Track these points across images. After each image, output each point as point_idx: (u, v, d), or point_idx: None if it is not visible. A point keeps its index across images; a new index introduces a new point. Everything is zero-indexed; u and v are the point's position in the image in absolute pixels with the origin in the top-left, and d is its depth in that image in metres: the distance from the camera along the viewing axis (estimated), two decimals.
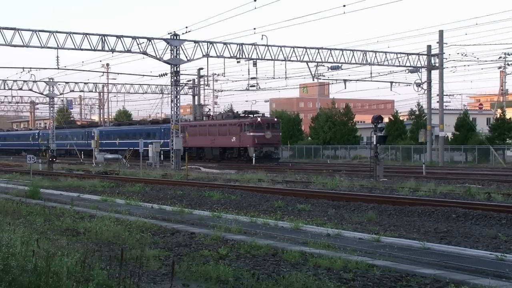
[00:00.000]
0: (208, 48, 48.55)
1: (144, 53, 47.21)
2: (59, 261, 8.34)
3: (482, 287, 8.58)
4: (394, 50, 54.48)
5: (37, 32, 44.38)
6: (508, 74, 76.45)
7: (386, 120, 63.54)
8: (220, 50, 48.79)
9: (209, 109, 71.19)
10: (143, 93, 76.87)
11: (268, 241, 12.39)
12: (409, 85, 58.39)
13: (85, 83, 74.18)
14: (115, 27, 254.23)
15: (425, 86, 56.94)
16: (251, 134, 56.51)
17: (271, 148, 57.17)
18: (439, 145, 56.55)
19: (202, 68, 74.04)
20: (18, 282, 7.88)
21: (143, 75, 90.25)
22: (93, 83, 77.43)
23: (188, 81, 76.49)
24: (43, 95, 75.08)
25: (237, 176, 35.75)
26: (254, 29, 55.08)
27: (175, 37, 47.97)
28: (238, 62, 51.58)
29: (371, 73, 56.78)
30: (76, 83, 73.14)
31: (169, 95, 58.07)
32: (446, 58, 56.72)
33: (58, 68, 53.09)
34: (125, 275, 8.18)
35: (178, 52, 48.06)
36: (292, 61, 50.91)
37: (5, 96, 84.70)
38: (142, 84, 76.16)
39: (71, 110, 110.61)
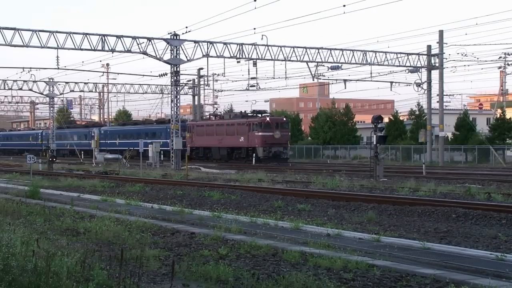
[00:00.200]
0: (208, 48, 48.57)
1: (144, 53, 47.22)
2: (59, 261, 8.34)
3: (482, 287, 8.58)
4: (394, 50, 54.52)
5: (37, 32, 44.40)
6: (508, 74, 76.51)
7: (386, 120, 63.53)
8: (220, 50, 48.83)
9: (216, 108, 69.79)
10: (143, 93, 76.89)
11: (268, 241, 12.39)
12: (409, 85, 58.44)
13: (85, 83, 74.26)
14: (115, 27, 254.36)
15: (425, 86, 56.94)
16: (260, 133, 55.62)
17: (280, 148, 56.21)
18: (439, 145, 56.54)
19: (202, 68, 74.11)
20: (18, 282, 7.88)
21: (143, 75, 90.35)
22: (93, 83, 77.51)
23: (188, 81, 76.51)
24: (43, 95, 75.12)
25: (237, 176, 35.76)
26: (254, 29, 55.01)
27: (175, 37, 47.98)
28: (238, 62, 51.62)
29: (371, 73, 56.83)
30: (76, 83, 73.19)
31: (169, 95, 58.08)
32: (446, 58, 56.75)
33: (58, 68, 53.16)
34: (125, 275, 8.18)
35: (178, 52, 48.08)
36: (292, 61, 50.93)
37: (5, 96, 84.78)
38: (142, 84, 76.27)
39: (71, 110, 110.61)
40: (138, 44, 46.85)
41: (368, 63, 53.13)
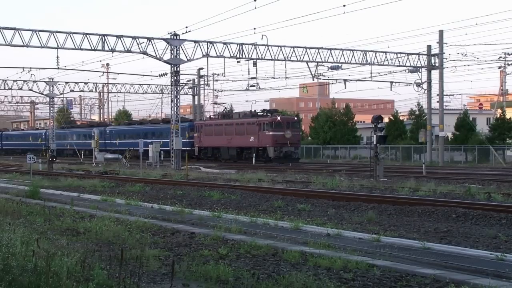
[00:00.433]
0: (208, 48, 48.58)
1: (144, 53, 47.23)
2: (59, 261, 8.34)
3: (482, 287, 8.58)
4: (394, 50, 54.52)
5: (37, 32, 44.41)
6: (508, 74, 76.58)
7: (386, 120, 63.54)
8: (220, 50, 48.84)
9: (225, 108, 69.04)
10: (143, 93, 76.91)
11: (268, 241, 12.39)
12: (409, 85, 58.42)
13: (85, 83, 74.27)
14: (115, 27, 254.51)
15: (425, 86, 56.94)
16: (271, 133, 54.52)
17: (291, 148, 54.98)
18: (439, 145, 56.55)
19: (202, 68, 74.12)
20: (18, 282, 7.88)
21: (143, 75, 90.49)
22: (93, 83, 77.52)
23: (188, 81, 76.53)
24: (43, 95, 75.14)
25: (237, 176, 35.76)
26: (254, 29, 54.92)
27: (175, 37, 47.98)
28: (238, 62, 51.62)
29: (371, 73, 56.82)
30: (76, 83, 73.20)
31: (169, 95, 58.08)
32: (446, 58, 56.76)
33: (58, 68, 53.19)
34: (125, 275, 8.18)
35: (178, 52, 48.08)
36: (292, 61, 50.94)
37: (5, 96, 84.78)
38: (142, 84, 76.29)
39: (71, 110, 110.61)
40: (138, 44, 46.88)
41: (368, 63, 53.14)
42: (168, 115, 74.48)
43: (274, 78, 56.72)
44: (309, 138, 78.96)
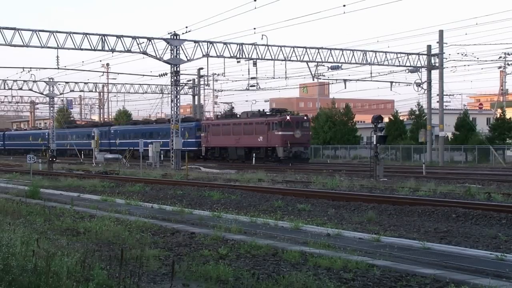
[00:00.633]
0: (208, 48, 48.58)
1: (144, 53, 47.24)
2: (59, 261, 8.34)
3: (482, 287, 8.58)
4: (394, 50, 54.54)
5: (37, 32, 44.42)
6: (508, 74, 76.56)
7: (386, 120, 63.51)
8: (220, 50, 48.84)
9: (232, 107, 67.96)
10: (143, 93, 76.90)
11: (268, 241, 12.39)
12: (409, 85, 58.42)
13: (85, 83, 74.29)
14: (115, 27, 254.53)
15: (425, 86, 56.94)
16: (280, 133, 53.61)
17: (300, 148, 54.22)
18: (439, 145, 56.54)
19: (202, 68, 74.17)
20: (18, 282, 7.88)
21: (143, 75, 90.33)
22: (93, 83, 77.54)
23: (188, 81, 76.54)
24: (43, 95, 75.16)
25: (237, 176, 35.76)
26: (254, 29, 54.87)
27: (175, 37, 47.99)
28: (238, 62, 51.62)
29: (371, 73, 56.83)
30: (76, 83, 73.21)
31: (169, 95, 58.05)
32: (446, 58, 56.76)
33: (58, 68, 53.24)
34: (125, 275, 8.18)
35: (178, 52, 48.09)
36: (292, 61, 50.94)
37: (5, 96, 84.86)
38: (142, 84, 76.31)
39: (71, 110, 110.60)
40: (138, 44, 46.89)
41: (368, 63, 53.15)
42: (168, 115, 74.42)
43: (274, 78, 56.78)
44: None
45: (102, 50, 46.40)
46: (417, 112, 69.16)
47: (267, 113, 58.47)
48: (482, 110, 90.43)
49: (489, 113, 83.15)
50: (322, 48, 51.32)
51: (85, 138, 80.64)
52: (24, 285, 7.85)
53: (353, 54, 52.09)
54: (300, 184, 29.46)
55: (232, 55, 49.24)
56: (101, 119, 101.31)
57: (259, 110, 61.99)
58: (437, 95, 56.51)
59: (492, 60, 79.24)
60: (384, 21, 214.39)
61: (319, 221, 15.90)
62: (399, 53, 53.98)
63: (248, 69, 53.61)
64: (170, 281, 8.41)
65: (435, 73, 56.65)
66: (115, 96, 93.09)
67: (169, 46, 47.92)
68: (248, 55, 49.60)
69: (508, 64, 71.62)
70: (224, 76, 58.08)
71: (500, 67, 71.40)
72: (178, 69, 48.94)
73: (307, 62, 52.05)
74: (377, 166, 32.00)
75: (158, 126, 71.35)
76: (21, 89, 72.01)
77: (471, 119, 67.12)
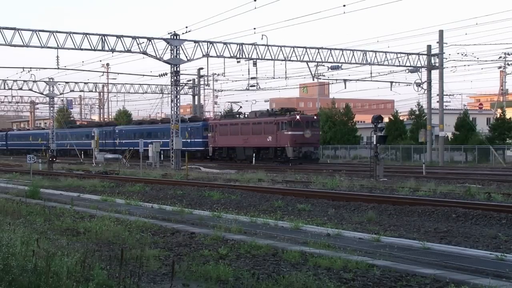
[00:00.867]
0: (208, 48, 48.59)
1: (144, 53, 47.24)
2: (59, 261, 8.34)
3: (482, 287, 8.58)
4: (394, 50, 54.52)
5: (37, 32, 44.42)
6: (508, 74, 76.55)
7: (386, 120, 63.49)
8: (220, 50, 48.84)
9: (240, 106, 66.77)
10: (143, 93, 76.88)
11: (268, 241, 12.39)
12: (409, 85, 58.42)
13: (85, 83, 74.27)
14: (115, 27, 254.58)
15: (425, 86, 56.94)
16: (289, 133, 52.43)
17: (310, 148, 53.25)
18: (439, 145, 56.54)
19: (202, 68, 74.17)
20: (18, 282, 7.88)
21: (143, 75, 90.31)
22: (93, 83, 77.51)
23: (188, 81, 76.53)
24: (43, 95, 75.17)
25: (237, 176, 35.75)
26: (254, 29, 54.80)
27: (175, 37, 48.00)
28: (238, 62, 51.60)
29: (371, 73, 56.83)
30: (76, 83, 73.21)
31: (169, 95, 58.04)
32: (446, 58, 56.75)
33: (58, 68, 53.25)
34: (125, 275, 8.18)
35: (178, 52, 48.09)
36: (292, 61, 50.94)
37: (5, 96, 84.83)
38: (142, 84, 76.27)
39: (71, 110, 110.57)
40: (138, 44, 46.89)
41: (368, 63, 53.15)
42: (168, 114, 74.38)
43: (274, 78, 56.75)
44: None
45: (102, 50, 46.40)
46: (417, 112, 69.15)
47: (275, 112, 57.43)
48: (482, 110, 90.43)
49: (489, 113, 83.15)
50: (322, 48, 51.33)
51: (89, 138, 79.80)
52: (24, 285, 7.85)
53: (353, 54, 52.10)
54: (300, 184, 29.46)
55: (232, 55, 49.24)
56: (101, 119, 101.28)
57: (267, 109, 60.93)
58: (437, 95, 56.52)
59: (492, 60, 79.35)
60: (384, 21, 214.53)
61: (319, 221, 15.90)
62: (399, 53, 53.99)
63: (248, 69, 53.65)
64: (170, 281, 8.41)
65: (435, 73, 56.71)
66: (115, 96, 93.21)
67: (169, 46, 47.93)
68: (248, 55, 49.60)
69: (508, 64, 71.65)
70: (224, 76, 58.08)
71: (500, 67, 71.43)
72: (178, 69, 48.94)
73: (307, 62, 52.06)
74: (377, 166, 32.00)
75: (163, 126, 69.69)
76: (21, 89, 72.04)
77: (471, 119, 67.12)
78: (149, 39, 47.35)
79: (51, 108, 75.37)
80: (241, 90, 71.01)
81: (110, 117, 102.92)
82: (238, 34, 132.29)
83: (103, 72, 79.40)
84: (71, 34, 45.05)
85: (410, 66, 55.40)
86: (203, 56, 48.92)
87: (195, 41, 48.45)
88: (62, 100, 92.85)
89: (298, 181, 31.40)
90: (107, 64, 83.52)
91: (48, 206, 18.78)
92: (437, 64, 55.88)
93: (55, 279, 7.85)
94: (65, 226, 14.62)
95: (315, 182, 29.67)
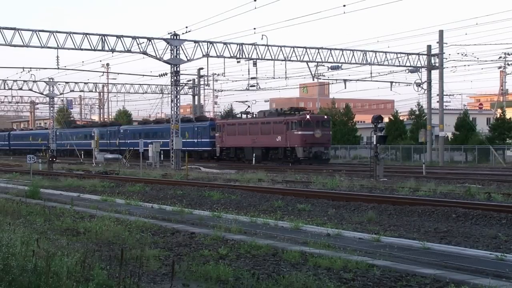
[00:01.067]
0: (208, 48, 48.59)
1: (144, 53, 47.25)
2: (59, 261, 8.34)
3: (482, 287, 8.58)
4: (394, 50, 54.56)
5: (37, 32, 44.42)
6: (508, 74, 76.58)
7: (386, 120, 63.51)
8: (220, 50, 48.85)
9: (249, 106, 65.70)
10: (143, 93, 76.88)
11: (268, 241, 12.39)
12: (409, 85, 58.43)
13: (85, 83, 74.30)
14: (115, 27, 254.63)
15: (425, 86, 56.94)
16: (300, 132, 51.52)
17: (321, 148, 52.14)
18: (439, 145, 56.55)
19: (202, 68, 74.16)
20: (18, 282, 7.88)
21: (143, 75, 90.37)
22: (93, 83, 77.54)
23: (188, 81, 76.53)
24: (43, 95, 75.20)
25: (237, 176, 35.75)
26: (254, 29, 54.74)
27: (175, 37, 48.00)
28: (238, 62, 51.61)
29: (371, 73, 56.83)
30: (76, 83, 73.23)
31: (169, 95, 58.02)
32: (446, 58, 56.76)
33: (58, 68, 53.27)
34: (125, 275, 8.18)
35: (178, 52, 48.10)
36: (292, 61, 50.95)
37: (5, 96, 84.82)
38: (142, 84, 76.28)
39: (71, 110, 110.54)
40: (138, 44, 46.90)
41: (368, 63, 53.15)
42: (168, 114, 74.33)
43: (274, 78, 56.74)
44: None
45: (102, 50, 46.41)
46: (417, 112, 69.18)
47: (285, 112, 56.54)
48: (482, 110, 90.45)
49: (489, 113, 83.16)
50: (322, 48, 51.34)
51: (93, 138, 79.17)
52: (24, 285, 7.85)
53: (353, 54, 52.10)
54: (300, 184, 29.46)
55: (232, 55, 49.25)
56: (101, 119, 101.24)
57: (276, 109, 59.87)
58: (437, 95, 56.53)
59: (492, 60, 79.41)
60: (384, 21, 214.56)
61: (319, 221, 15.90)
62: (399, 53, 54.00)
63: (248, 69, 53.65)
64: (170, 281, 8.41)
65: (435, 73, 56.72)
66: (115, 96, 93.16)
67: (169, 46, 47.93)
68: (248, 55, 49.61)
69: (508, 64, 71.68)
70: (224, 76, 58.00)
71: (500, 67, 71.44)
72: (178, 69, 48.95)
73: (307, 62, 52.07)
74: (377, 166, 32.00)
75: (169, 125, 69.45)
76: (21, 89, 72.06)
77: (471, 119, 67.13)
78: (149, 39, 47.35)
79: (51, 108, 75.39)
80: (241, 90, 71.05)
81: (110, 117, 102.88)
82: (238, 34, 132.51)
83: (103, 72, 79.43)
84: (71, 34, 45.06)
85: (410, 66, 55.41)
86: (203, 56, 48.93)
87: (195, 41, 48.46)
88: (62, 100, 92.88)
89: (298, 181, 31.40)
90: (107, 64, 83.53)
91: (48, 206, 18.78)
92: (437, 64, 55.88)
93: (55, 279, 7.85)
94: (65, 226, 14.62)
95: (315, 182, 29.67)
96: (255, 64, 51.54)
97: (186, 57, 48.62)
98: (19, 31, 44.15)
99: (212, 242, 12.45)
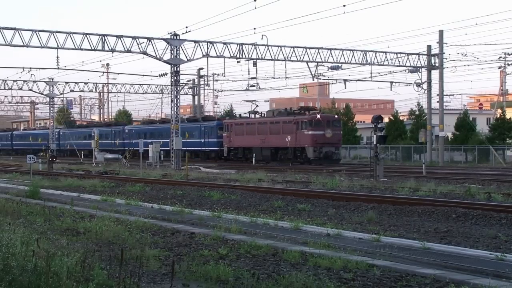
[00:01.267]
0: (208, 48, 48.59)
1: (144, 53, 47.24)
2: (59, 261, 8.34)
3: (482, 287, 8.58)
4: (394, 50, 54.56)
5: (37, 32, 44.42)
6: (508, 74, 76.59)
7: (386, 120, 63.50)
8: (220, 50, 48.85)
9: (257, 105, 64.72)
10: (143, 93, 76.84)
11: (268, 241, 12.39)
12: (409, 85, 58.43)
13: (85, 83, 74.27)
14: (115, 27, 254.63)
15: (425, 86, 56.94)
16: (310, 132, 50.64)
17: (331, 148, 51.35)
18: (439, 145, 56.54)
19: (202, 68, 74.13)
20: (18, 282, 7.88)
21: (143, 75, 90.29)
22: (93, 83, 77.47)
23: (188, 81, 76.53)
24: (43, 95, 75.19)
25: (237, 176, 35.75)
26: (254, 29, 54.66)
27: (175, 37, 48.00)
28: (238, 62, 51.60)
29: (371, 73, 56.83)
30: (76, 83, 73.21)
31: (169, 95, 58.01)
32: (446, 58, 56.75)
33: (58, 68, 53.30)
34: (125, 275, 8.17)
35: (178, 52, 48.09)
36: (292, 61, 50.94)
37: (5, 96, 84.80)
38: (142, 84, 76.25)
39: (71, 110, 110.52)
40: (138, 44, 46.90)
41: (368, 63, 53.15)
42: (168, 114, 74.32)
43: (274, 78, 56.73)
44: None
45: (102, 50, 46.41)
46: (417, 112, 69.18)
47: (294, 111, 55.72)
48: (482, 110, 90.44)
49: (489, 113, 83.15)
50: (322, 48, 51.34)
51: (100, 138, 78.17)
52: (24, 285, 7.85)
53: (353, 54, 52.10)
54: (300, 184, 29.47)
55: (232, 55, 49.25)
56: (101, 119, 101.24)
57: (285, 108, 59.50)
58: (437, 95, 56.52)
59: (492, 60, 79.38)
60: (384, 21, 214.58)
61: (319, 221, 15.89)
62: (399, 53, 54.00)
63: (248, 69, 53.62)
64: (170, 281, 8.41)
65: (435, 73, 56.71)
66: (115, 96, 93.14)
67: (169, 46, 47.93)
68: (248, 55, 49.61)
69: (508, 64, 71.69)
70: (224, 76, 58.00)
71: (500, 67, 71.46)
72: (178, 69, 48.95)
73: (307, 62, 52.06)
74: (377, 166, 32.00)
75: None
76: (21, 89, 72.04)
77: (471, 119, 67.13)
78: (149, 39, 47.35)
79: (51, 108, 75.34)
80: (241, 90, 71.04)
81: (110, 117, 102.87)
82: (238, 34, 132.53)
83: (103, 72, 79.42)
84: (71, 34, 45.06)
85: (410, 66, 55.41)
86: (203, 56, 48.93)
87: (195, 41, 48.46)
88: (62, 100, 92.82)
89: (298, 181, 31.40)
90: (107, 64, 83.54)
91: (48, 206, 18.78)
92: (437, 64, 55.88)
93: (55, 279, 7.85)
94: (65, 226, 14.62)
95: (315, 182, 29.67)
96: (255, 64, 51.54)
97: (186, 57, 48.63)
98: (19, 31, 44.15)
99: (212, 242, 12.45)
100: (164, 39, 47.92)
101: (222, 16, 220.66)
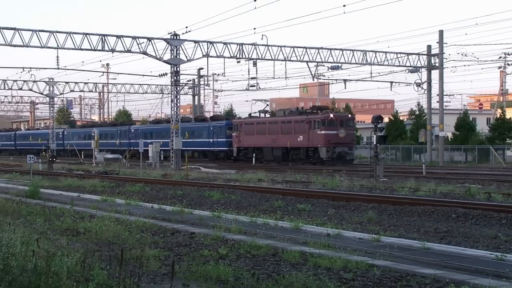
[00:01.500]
0: (208, 48, 48.59)
1: (144, 53, 47.25)
2: (59, 261, 8.34)
3: (482, 287, 8.58)
4: (394, 50, 54.56)
5: (37, 32, 44.43)
6: (508, 74, 76.57)
7: (386, 120, 63.50)
8: (220, 50, 48.85)
9: (267, 104, 63.66)
10: (143, 93, 76.83)
11: (268, 241, 12.39)
12: (409, 85, 58.43)
13: (85, 83, 74.28)
14: (115, 27, 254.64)
15: (425, 86, 56.94)
16: (323, 132, 49.78)
17: (345, 148, 50.52)
18: (439, 145, 56.54)
19: (202, 68, 74.11)
20: (18, 282, 7.88)
21: (143, 75, 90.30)
22: (93, 83, 77.48)
23: (188, 81, 76.52)
24: (43, 95, 75.22)
25: (237, 176, 35.75)
26: (254, 29, 54.61)
27: (175, 37, 48.00)
28: (238, 62, 51.60)
29: (371, 73, 56.84)
30: (76, 83, 73.22)
31: (169, 95, 58.00)
32: (446, 58, 56.75)
33: (58, 68, 53.33)
34: (125, 275, 8.17)
35: (178, 52, 48.09)
36: (292, 61, 50.95)
37: (5, 96, 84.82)
38: (142, 84, 76.24)
39: (71, 110, 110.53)
40: (138, 44, 46.90)
41: (368, 63, 53.15)
42: (168, 114, 74.28)
43: (274, 78, 56.74)
44: None
45: (102, 50, 46.42)
46: (417, 112, 69.18)
47: (307, 110, 55.12)
48: (482, 110, 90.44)
49: (489, 113, 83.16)
50: (322, 48, 51.34)
51: (102, 138, 75.11)
52: (24, 285, 7.85)
53: (353, 54, 52.10)
54: (300, 184, 29.46)
55: (232, 55, 49.25)
56: (101, 119, 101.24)
57: (297, 107, 58.62)
58: (437, 95, 56.52)
59: (492, 60, 79.34)
60: (384, 21, 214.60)
61: (319, 221, 15.89)
62: (399, 53, 54.00)
63: (248, 69, 53.64)
64: (170, 281, 8.41)
65: (435, 73, 56.71)
66: (115, 96, 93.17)
67: (169, 46, 47.93)
68: (248, 55, 49.60)
69: (508, 64, 71.68)
70: (224, 76, 57.98)
71: (500, 67, 71.45)
72: (178, 69, 48.95)
73: (307, 62, 52.07)
74: (377, 166, 32.00)
75: (184, 125, 63.83)
76: (21, 89, 72.06)
77: (471, 119, 67.13)
78: (149, 39, 47.35)
79: (51, 108, 75.35)
80: (241, 90, 71.07)
81: (110, 117, 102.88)
82: (238, 34, 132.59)
83: (103, 72, 79.42)
84: (71, 34, 45.07)
85: (410, 66, 55.41)
86: (203, 56, 48.93)
87: (195, 41, 48.46)
88: (62, 100, 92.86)
89: (298, 181, 31.40)
90: (107, 64, 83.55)
91: (48, 206, 18.78)
92: (437, 64, 55.87)
93: (55, 279, 7.85)
94: (65, 226, 14.62)
95: (315, 182, 29.67)
96: (255, 64, 51.54)
97: (186, 57, 48.63)
98: (19, 31, 44.15)
99: (212, 242, 12.45)
100: (164, 39, 47.92)
101: (222, 16, 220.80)
